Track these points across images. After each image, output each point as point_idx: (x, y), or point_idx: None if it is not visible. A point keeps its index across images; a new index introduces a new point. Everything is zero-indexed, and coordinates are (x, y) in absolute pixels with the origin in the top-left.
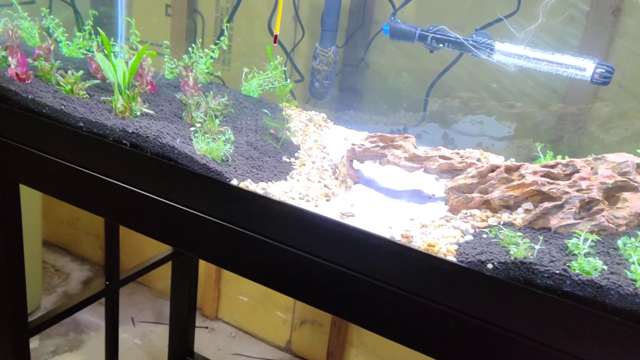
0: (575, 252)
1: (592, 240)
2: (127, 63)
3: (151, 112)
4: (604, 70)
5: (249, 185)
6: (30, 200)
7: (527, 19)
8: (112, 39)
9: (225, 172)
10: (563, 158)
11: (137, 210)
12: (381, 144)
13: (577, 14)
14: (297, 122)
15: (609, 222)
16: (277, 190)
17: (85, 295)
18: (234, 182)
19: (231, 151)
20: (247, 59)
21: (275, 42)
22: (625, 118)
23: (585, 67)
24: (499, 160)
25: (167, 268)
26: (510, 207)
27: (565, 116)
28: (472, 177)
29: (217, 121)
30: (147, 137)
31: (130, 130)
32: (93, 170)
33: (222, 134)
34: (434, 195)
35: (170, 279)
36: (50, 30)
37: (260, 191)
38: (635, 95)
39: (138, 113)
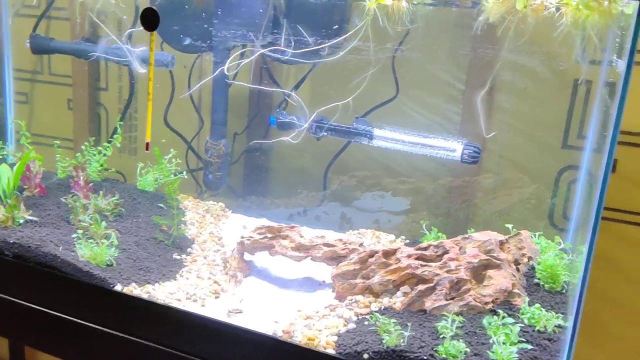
0: (444, 334)
1: (459, 322)
2: (14, 167)
3: (35, 218)
4: (471, 151)
5: (133, 289)
6: None
7: (411, 99)
8: (0, 142)
9: (110, 277)
10: (451, 232)
11: (23, 323)
12: (269, 235)
13: (455, 93)
14: (194, 214)
15: (476, 300)
16: (162, 293)
17: None
18: (118, 287)
19: (116, 255)
20: (151, 148)
21: (147, 149)
22: (506, 188)
23: (455, 149)
24: (390, 238)
25: None
26: (390, 291)
27: (453, 189)
28: (354, 263)
29: (103, 223)
30: (29, 246)
31: (11, 241)
32: None
33: (108, 237)
34: (324, 281)
35: None
36: None
37: (144, 295)
38: (515, 164)
39: (21, 221)
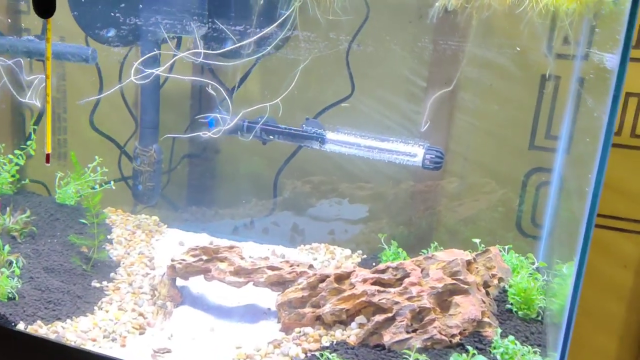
0: None
1: None
2: None
3: None
4: (433, 156)
5: (38, 328)
6: None
7: (369, 97)
8: None
9: (10, 314)
10: (414, 243)
11: None
12: (204, 257)
13: (416, 90)
14: (123, 230)
15: (441, 333)
16: (74, 332)
17: None
18: (21, 326)
19: (20, 286)
20: (81, 151)
21: (47, 161)
22: (471, 193)
23: (416, 154)
24: (345, 253)
25: None
26: (344, 322)
27: (415, 194)
28: (303, 289)
29: (6, 248)
30: None
31: None
32: None
33: (14, 262)
34: (269, 309)
35: None
36: None
37: (51, 336)
38: (480, 166)
39: None
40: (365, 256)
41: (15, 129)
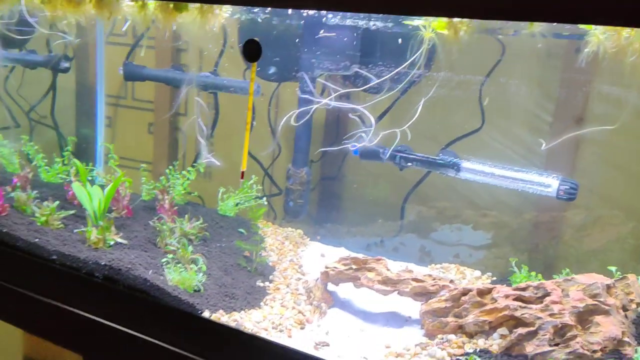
0: None
1: None
2: (104, 188)
3: (125, 241)
4: (568, 187)
5: (220, 317)
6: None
7: (497, 130)
8: (90, 163)
9: (197, 303)
10: (540, 270)
11: (111, 346)
12: (354, 267)
13: (542, 125)
14: (273, 240)
15: (583, 348)
16: (250, 321)
17: None
18: (206, 314)
19: (203, 280)
20: (227, 173)
21: (242, 177)
22: (598, 225)
23: (550, 184)
24: (475, 274)
25: None
26: (486, 332)
27: (539, 224)
28: (446, 300)
29: (190, 248)
30: (120, 269)
31: (102, 263)
32: (67, 304)
33: (195, 261)
34: (410, 317)
35: None
36: (30, 157)
37: (232, 324)
38: (607, 199)
39: (111, 243)
40: (494, 278)
41: (171, 151)
